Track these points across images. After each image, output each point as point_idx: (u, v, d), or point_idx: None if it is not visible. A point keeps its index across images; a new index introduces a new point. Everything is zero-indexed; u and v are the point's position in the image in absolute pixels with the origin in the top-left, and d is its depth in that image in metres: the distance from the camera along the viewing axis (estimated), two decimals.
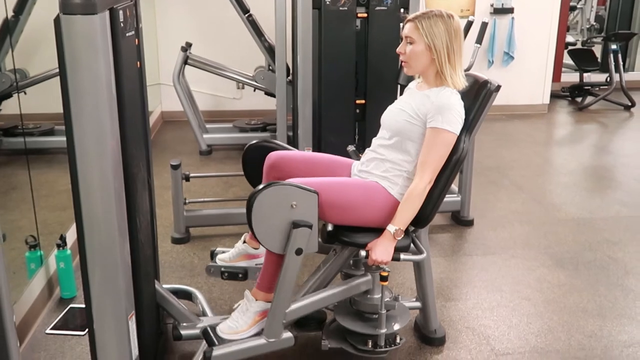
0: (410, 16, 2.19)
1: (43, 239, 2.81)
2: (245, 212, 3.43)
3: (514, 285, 3.00)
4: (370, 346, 2.26)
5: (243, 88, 5.70)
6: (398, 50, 2.23)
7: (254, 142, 2.54)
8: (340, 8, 3.54)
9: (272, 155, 2.38)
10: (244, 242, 2.60)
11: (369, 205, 2.15)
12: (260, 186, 2.05)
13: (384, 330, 2.23)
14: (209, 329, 2.23)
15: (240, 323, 2.21)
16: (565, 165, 5.15)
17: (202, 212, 3.49)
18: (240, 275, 2.55)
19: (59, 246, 2.75)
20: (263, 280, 2.23)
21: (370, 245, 2.13)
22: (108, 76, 1.72)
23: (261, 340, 2.18)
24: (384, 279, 2.17)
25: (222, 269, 2.56)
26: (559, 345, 2.51)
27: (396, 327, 2.30)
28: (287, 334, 2.20)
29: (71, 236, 3.02)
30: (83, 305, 2.62)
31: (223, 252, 2.64)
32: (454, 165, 2.14)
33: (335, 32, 3.62)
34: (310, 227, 2.05)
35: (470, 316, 2.72)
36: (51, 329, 2.54)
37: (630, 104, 6.95)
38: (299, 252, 2.06)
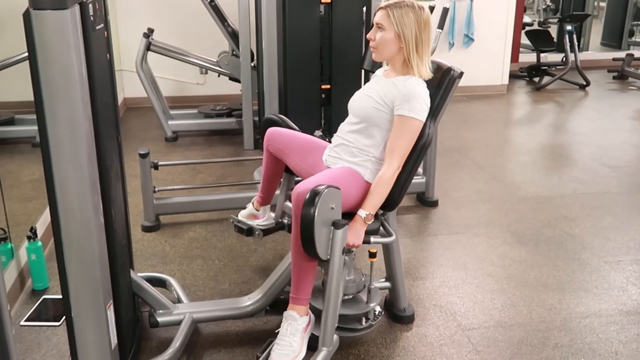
0: (383, 4, 2.25)
1: (11, 231, 2.79)
2: (213, 198, 3.51)
3: (478, 263, 3.12)
4: (364, 323, 2.34)
5: (206, 73, 5.67)
6: (368, 36, 2.29)
7: (268, 115, 2.73)
8: None
9: (268, 131, 2.55)
10: (252, 203, 2.75)
11: (350, 191, 2.20)
12: (308, 197, 1.98)
13: (373, 304, 2.35)
14: None
15: (295, 346, 2.11)
16: (524, 144, 5.31)
17: (172, 199, 3.50)
18: (244, 231, 2.69)
19: (29, 238, 2.74)
20: (301, 293, 2.16)
21: None
22: (80, 70, 1.73)
23: (324, 352, 2.13)
24: (372, 255, 2.28)
25: (235, 222, 2.75)
26: (521, 318, 2.64)
27: (372, 304, 2.39)
28: (335, 337, 2.19)
29: (40, 227, 3.01)
30: (56, 296, 2.66)
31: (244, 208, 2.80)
32: (420, 150, 2.22)
33: (299, 17, 3.64)
34: (347, 223, 2.07)
35: (437, 294, 2.83)
36: (25, 320, 2.54)
37: (584, 83, 7.16)
38: (344, 251, 2.07)
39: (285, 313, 2.18)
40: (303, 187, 2.05)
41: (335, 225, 2.04)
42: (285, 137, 2.52)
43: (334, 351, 2.19)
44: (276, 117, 2.68)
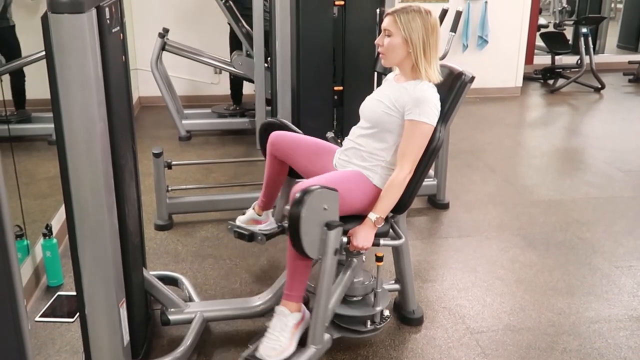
0: (389, 10, 2.27)
1: (27, 228, 2.84)
2: (225, 198, 3.54)
3: (488, 266, 3.12)
4: (369, 326, 2.35)
5: (220, 73, 5.71)
6: (376, 42, 2.31)
7: (268, 120, 2.75)
8: None
9: (272, 135, 2.55)
10: (253, 208, 2.75)
11: (355, 194, 2.23)
12: (297, 196, 2.02)
13: (379, 308, 2.35)
14: (250, 358, 2.15)
15: (283, 341, 2.14)
16: (537, 147, 5.29)
17: (185, 199, 3.54)
18: (246, 237, 2.68)
19: (45, 235, 2.79)
20: (294, 290, 2.20)
21: (351, 232, 2.21)
22: (96, 72, 1.77)
23: (312, 350, 2.15)
24: (379, 259, 2.30)
25: (235, 229, 2.73)
26: (530, 322, 2.64)
27: (378, 307, 2.40)
28: (327, 336, 2.21)
29: (55, 224, 3.05)
30: (71, 293, 2.71)
31: (243, 214, 2.79)
32: (430, 154, 2.23)
33: (312, 19, 3.67)
34: (342, 225, 2.09)
35: (447, 296, 2.84)
36: (40, 316, 2.58)
37: (600, 86, 7.12)
38: (336, 252, 2.09)
39: (276, 308, 2.21)
40: (300, 187, 2.09)
41: (328, 226, 2.06)
42: (292, 140, 2.53)
43: (323, 350, 2.20)
44: (277, 120, 2.69)
